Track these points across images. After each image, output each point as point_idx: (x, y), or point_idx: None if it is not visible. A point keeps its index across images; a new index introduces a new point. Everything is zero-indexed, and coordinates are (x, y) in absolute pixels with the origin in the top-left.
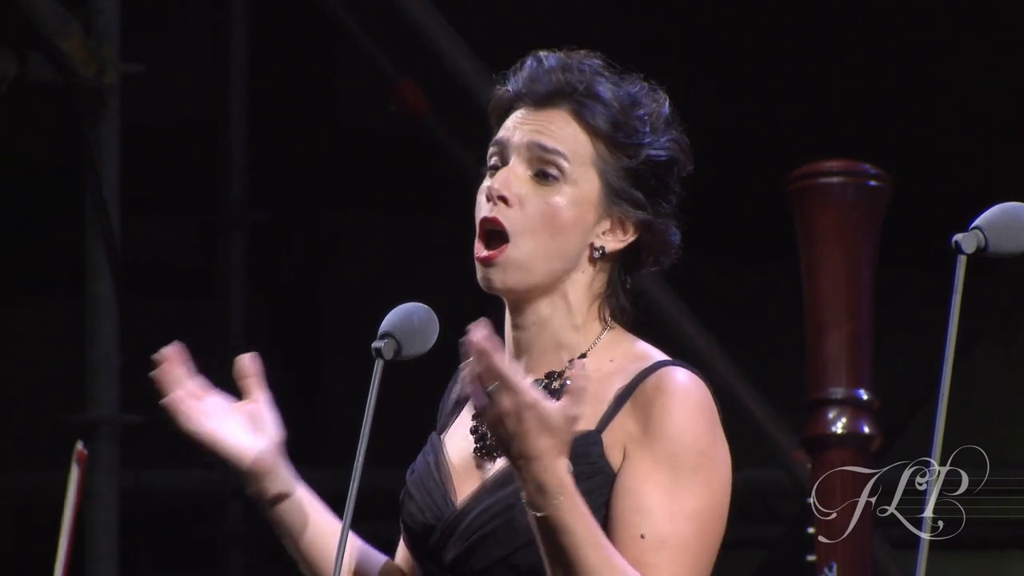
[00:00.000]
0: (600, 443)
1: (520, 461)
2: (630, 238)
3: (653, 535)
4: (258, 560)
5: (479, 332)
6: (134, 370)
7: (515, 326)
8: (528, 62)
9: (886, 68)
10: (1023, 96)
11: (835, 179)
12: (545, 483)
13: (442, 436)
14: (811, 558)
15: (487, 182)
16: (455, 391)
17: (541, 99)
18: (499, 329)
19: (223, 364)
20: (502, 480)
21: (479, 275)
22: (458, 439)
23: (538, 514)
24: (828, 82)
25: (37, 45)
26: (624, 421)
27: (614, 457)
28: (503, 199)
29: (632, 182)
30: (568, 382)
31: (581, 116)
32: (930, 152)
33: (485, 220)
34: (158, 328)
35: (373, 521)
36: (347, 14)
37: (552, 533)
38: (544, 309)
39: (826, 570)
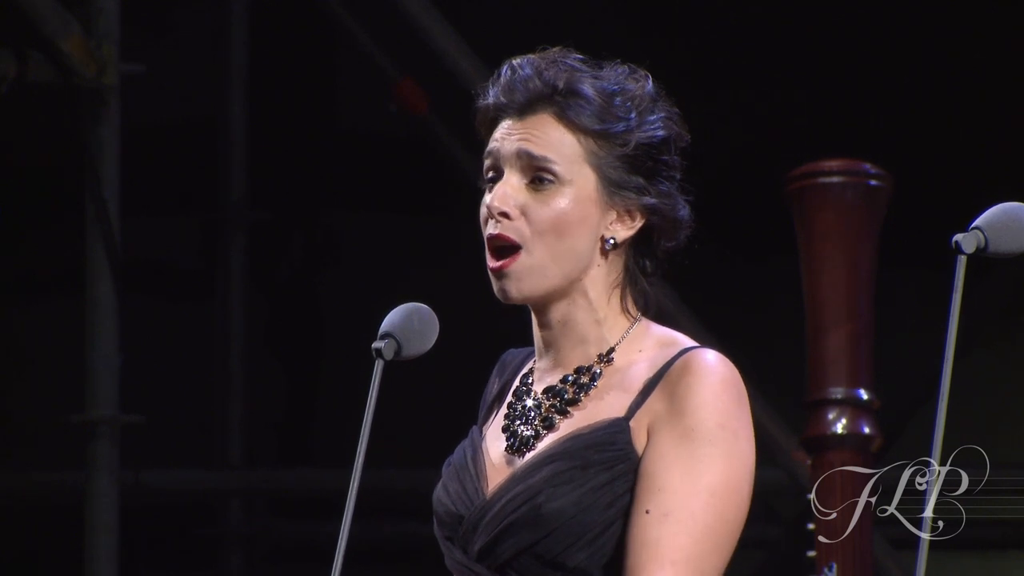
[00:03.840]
0: (627, 431)
1: None
2: (638, 224)
3: (657, 510)
4: (258, 560)
5: None
6: (134, 370)
7: (540, 325)
8: (503, 71)
9: (886, 68)
10: (1023, 96)
11: (835, 179)
12: None
13: (482, 430)
14: (811, 554)
15: (486, 198)
16: (495, 384)
17: (522, 108)
18: (520, 329)
19: (223, 364)
20: (528, 471)
21: (495, 288)
22: (494, 436)
23: None
24: (828, 82)
25: (37, 45)
26: (653, 406)
27: (640, 443)
28: (504, 214)
29: (629, 169)
30: (597, 375)
31: (565, 116)
32: (930, 152)
33: (492, 238)
34: (158, 328)
35: (373, 521)
36: (347, 14)
37: None
38: (565, 308)
39: (826, 569)
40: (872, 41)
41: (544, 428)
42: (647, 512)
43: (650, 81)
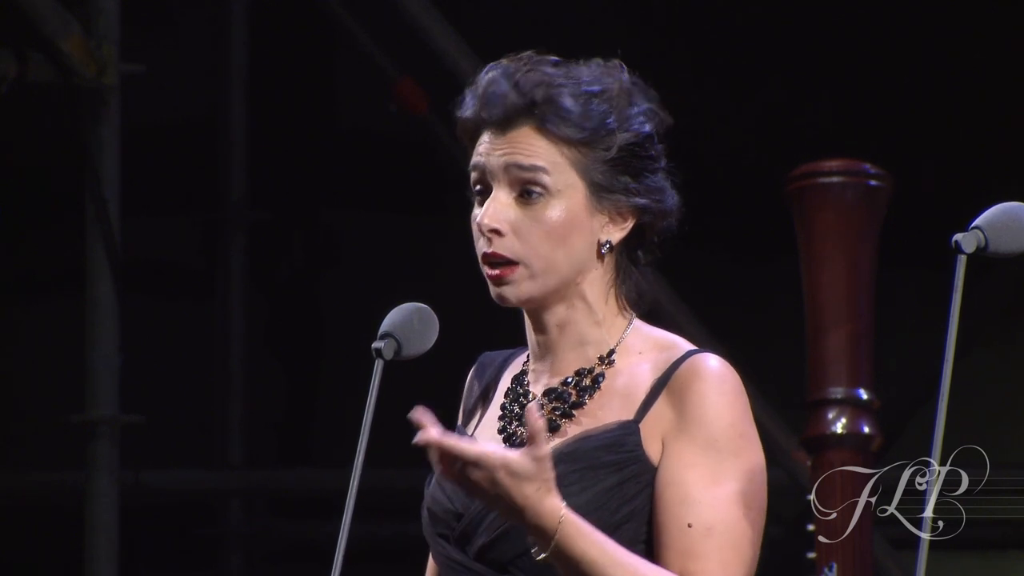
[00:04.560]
0: (637, 433)
1: (513, 516)
2: (630, 224)
3: (700, 524)
4: (258, 560)
5: (421, 424)
6: (134, 370)
7: (536, 330)
8: (480, 82)
9: (886, 68)
10: (1023, 96)
11: (835, 179)
12: (542, 526)
13: (467, 428)
14: (811, 555)
15: (476, 211)
16: (476, 387)
17: (502, 122)
18: (519, 330)
19: (223, 364)
20: None
21: (493, 294)
22: (487, 436)
23: (547, 555)
24: (828, 82)
25: (37, 45)
26: (661, 410)
27: (652, 448)
28: (495, 231)
29: (616, 171)
30: (600, 378)
31: (545, 128)
32: (930, 152)
33: (486, 256)
34: (158, 328)
35: (373, 521)
36: (347, 14)
37: (568, 565)
38: (564, 312)
39: (826, 570)
40: (872, 41)
41: (548, 431)
42: (689, 526)
43: (625, 72)
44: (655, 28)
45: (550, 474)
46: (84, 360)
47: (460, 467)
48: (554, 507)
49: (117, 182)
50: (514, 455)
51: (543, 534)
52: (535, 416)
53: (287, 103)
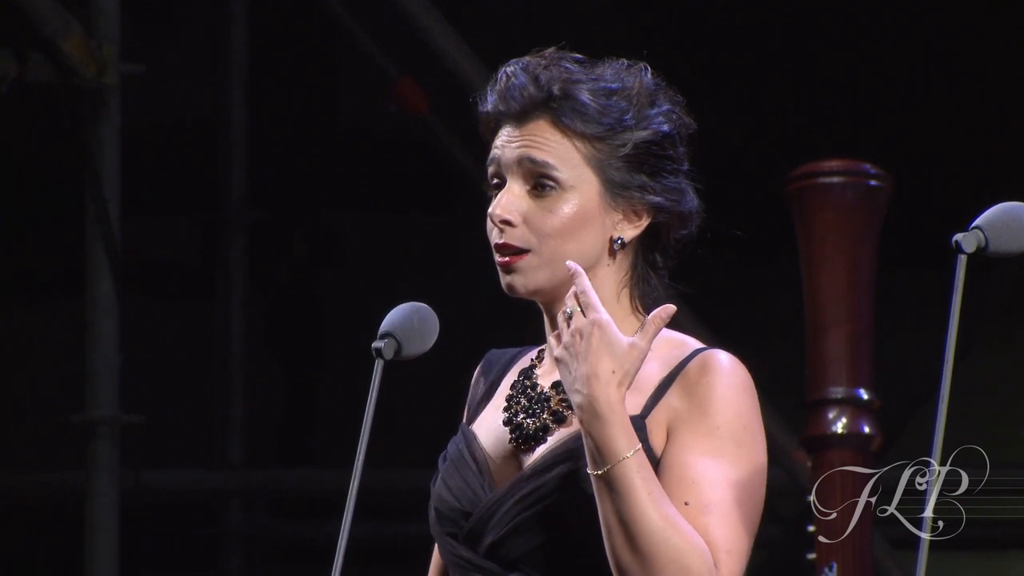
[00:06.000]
0: (644, 428)
1: (578, 384)
2: (645, 222)
3: (697, 502)
4: (258, 560)
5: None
6: (134, 370)
7: (551, 324)
8: (499, 77)
9: (886, 68)
10: (1023, 96)
11: (835, 179)
12: (599, 410)
13: (472, 427)
14: (811, 556)
15: (491, 206)
16: (482, 384)
17: (519, 115)
18: (521, 330)
19: (223, 364)
20: (541, 468)
21: (503, 282)
22: (492, 430)
23: (601, 472)
24: (828, 82)
25: (37, 45)
26: (669, 403)
27: (657, 441)
28: (507, 222)
29: (631, 169)
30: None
31: (561, 122)
32: (930, 152)
33: (498, 247)
34: (158, 328)
35: (373, 521)
36: (347, 14)
37: (609, 495)
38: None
39: (826, 570)
40: (872, 41)
41: (554, 422)
42: (686, 504)
43: (648, 74)
44: (655, 28)
45: (633, 369)
46: (84, 360)
47: (575, 308)
48: (619, 400)
49: (117, 182)
50: (617, 330)
51: (598, 417)
52: (662, 316)
53: (287, 103)
